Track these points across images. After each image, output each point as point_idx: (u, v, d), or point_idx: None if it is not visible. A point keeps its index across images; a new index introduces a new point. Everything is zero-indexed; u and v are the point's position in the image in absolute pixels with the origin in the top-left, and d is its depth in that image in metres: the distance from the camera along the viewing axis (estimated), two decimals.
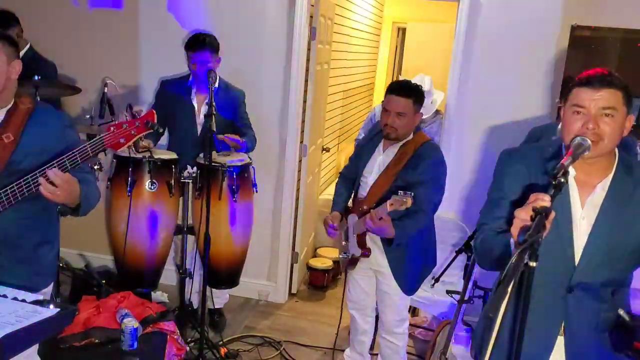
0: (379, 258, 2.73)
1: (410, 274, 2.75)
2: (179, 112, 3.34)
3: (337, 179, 3.07)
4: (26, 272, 1.94)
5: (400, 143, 2.66)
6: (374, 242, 2.71)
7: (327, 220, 2.80)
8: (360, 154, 2.83)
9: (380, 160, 2.70)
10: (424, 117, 3.59)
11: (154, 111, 1.91)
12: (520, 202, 1.69)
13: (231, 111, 3.37)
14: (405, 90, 2.58)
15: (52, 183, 1.74)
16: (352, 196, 2.90)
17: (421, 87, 2.68)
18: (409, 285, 2.76)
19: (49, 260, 2.07)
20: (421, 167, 2.56)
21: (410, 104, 2.56)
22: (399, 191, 2.31)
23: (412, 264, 2.73)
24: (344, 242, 2.87)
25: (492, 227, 1.77)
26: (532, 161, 1.76)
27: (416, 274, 2.78)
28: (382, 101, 2.70)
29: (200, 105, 3.33)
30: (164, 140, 3.55)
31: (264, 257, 4.05)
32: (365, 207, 2.64)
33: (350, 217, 2.80)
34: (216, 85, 3.32)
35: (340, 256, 2.89)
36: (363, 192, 2.74)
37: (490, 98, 3.54)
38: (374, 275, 2.84)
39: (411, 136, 2.66)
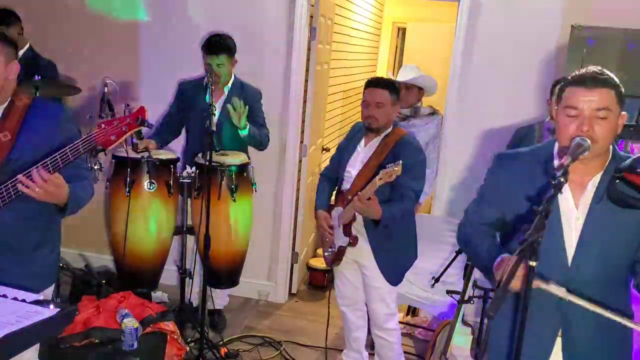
0: (363, 248, 2.78)
1: (395, 264, 2.81)
2: (194, 112, 3.35)
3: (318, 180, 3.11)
4: (25, 274, 1.92)
5: (381, 137, 2.76)
6: (358, 232, 2.77)
7: (324, 225, 2.83)
8: (342, 152, 2.93)
9: (363, 154, 2.80)
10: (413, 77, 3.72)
11: (145, 107, 1.91)
12: (508, 205, 1.77)
13: (246, 110, 3.37)
14: (381, 83, 2.75)
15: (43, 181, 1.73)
16: (335, 192, 2.97)
17: (395, 81, 2.85)
18: (394, 274, 2.81)
19: (48, 263, 2.05)
20: (402, 156, 2.64)
21: (387, 95, 2.71)
22: (387, 165, 2.47)
23: (396, 253, 2.80)
24: (328, 238, 2.89)
25: (478, 222, 1.90)
26: (525, 166, 1.77)
27: (400, 264, 2.84)
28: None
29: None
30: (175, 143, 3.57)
31: (264, 257, 4.05)
32: (350, 197, 2.71)
33: (335, 211, 2.86)
34: (229, 84, 3.34)
35: (326, 253, 2.92)
36: (347, 185, 2.81)
37: (491, 98, 3.54)
38: (359, 269, 2.88)
39: (390, 129, 2.77)
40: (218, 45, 3.20)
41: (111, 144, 1.87)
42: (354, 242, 2.77)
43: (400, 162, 2.45)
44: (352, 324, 3.05)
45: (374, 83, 2.76)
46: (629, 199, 1.57)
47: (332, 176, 2.99)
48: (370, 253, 2.77)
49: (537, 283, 1.56)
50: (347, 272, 2.95)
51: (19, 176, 1.74)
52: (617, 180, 1.58)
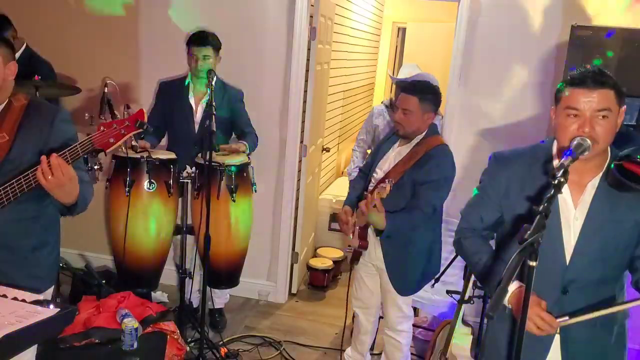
0: (378, 253, 2.75)
1: (409, 276, 2.75)
2: (177, 111, 3.36)
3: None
4: (24, 275, 1.92)
5: (414, 143, 2.69)
6: (375, 237, 2.72)
7: (342, 218, 2.79)
8: (377, 152, 2.89)
9: (392, 158, 2.75)
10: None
11: (144, 110, 1.90)
12: (507, 205, 1.79)
13: (229, 110, 3.39)
14: (411, 89, 2.66)
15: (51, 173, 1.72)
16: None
17: (435, 87, 2.72)
18: (405, 286, 2.76)
19: (48, 264, 2.04)
20: (427, 168, 2.60)
21: (415, 102, 2.62)
22: (386, 180, 2.44)
23: (412, 267, 2.74)
24: (350, 236, 2.88)
25: (475, 227, 1.91)
26: (523, 166, 1.77)
27: (415, 277, 2.78)
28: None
29: (197, 104, 3.35)
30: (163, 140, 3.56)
31: (264, 257, 4.05)
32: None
33: (358, 211, 2.81)
34: (213, 83, 3.34)
35: (346, 250, 2.91)
36: (371, 186, 2.78)
37: (490, 98, 3.55)
38: (377, 272, 2.85)
39: (422, 136, 2.69)
40: (205, 37, 3.23)
41: (110, 147, 1.87)
42: (363, 246, 2.73)
43: (392, 181, 2.43)
44: (362, 327, 3.02)
45: (405, 88, 2.68)
46: (626, 183, 1.58)
47: (366, 172, 2.93)
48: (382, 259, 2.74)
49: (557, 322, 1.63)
50: (364, 274, 2.91)
51: (43, 157, 1.72)
52: (615, 170, 1.59)
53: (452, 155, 2.71)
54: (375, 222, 2.53)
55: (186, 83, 3.36)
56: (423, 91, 2.65)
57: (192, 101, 3.35)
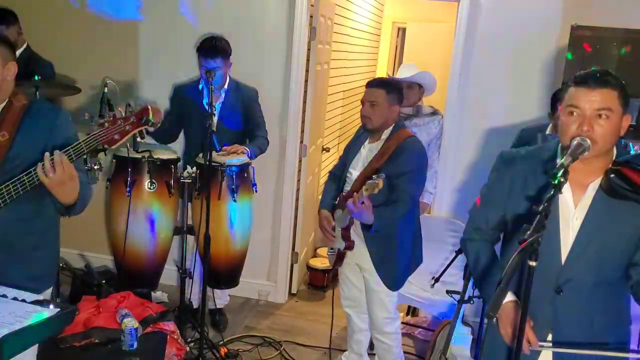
0: (362, 251, 2.75)
1: (394, 268, 2.77)
2: (193, 114, 3.35)
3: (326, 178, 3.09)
4: (23, 275, 1.90)
5: (384, 138, 2.73)
6: (357, 236, 2.75)
7: (325, 225, 2.81)
8: (348, 152, 2.90)
9: (365, 155, 2.77)
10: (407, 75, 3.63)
11: (149, 106, 1.89)
12: (509, 204, 1.79)
13: (244, 110, 3.39)
14: (377, 82, 2.75)
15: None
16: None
17: (398, 83, 2.78)
18: (393, 279, 2.78)
19: (46, 264, 2.04)
20: (401, 159, 2.63)
21: (382, 94, 2.68)
22: (373, 176, 2.46)
23: (396, 258, 2.76)
24: (339, 239, 2.88)
25: (481, 227, 1.90)
26: (528, 165, 1.77)
27: (402, 269, 2.80)
28: None
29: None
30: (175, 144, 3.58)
31: (264, 257, 4.05)
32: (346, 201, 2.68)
33: (336, 213, 2.84)
34: (226, 86, 3.33)
35: (328, 253, 2.92)
36: (347, 187, 2.79)
37: (490, 98, 3.55)
38: (361, 272, 2.86)
39: (392, 131, 2.72)
40: (214, 49, 3.17)
41: (115, 143, 1.85)
42: (350, 246, 2.75)
43: (383, 175, 2.44)
44: (355, 326, 3.03)
45: (372, 83, 2.76)
46: (621, 190, 1.58)
47: (338, 174, 2.94)
48: (369, 257, 2.75)
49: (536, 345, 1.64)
50: (350, 274, 2.93)
51: (46, 154, 1.71)
52: (612, 174, 1.59)
53: (422, 145, 2.78)
54: (363, 218, 2.54)
55: (200, 87, 3.34)
56: (387, 85, 2.72)
57: (206, 105, 3.34)
